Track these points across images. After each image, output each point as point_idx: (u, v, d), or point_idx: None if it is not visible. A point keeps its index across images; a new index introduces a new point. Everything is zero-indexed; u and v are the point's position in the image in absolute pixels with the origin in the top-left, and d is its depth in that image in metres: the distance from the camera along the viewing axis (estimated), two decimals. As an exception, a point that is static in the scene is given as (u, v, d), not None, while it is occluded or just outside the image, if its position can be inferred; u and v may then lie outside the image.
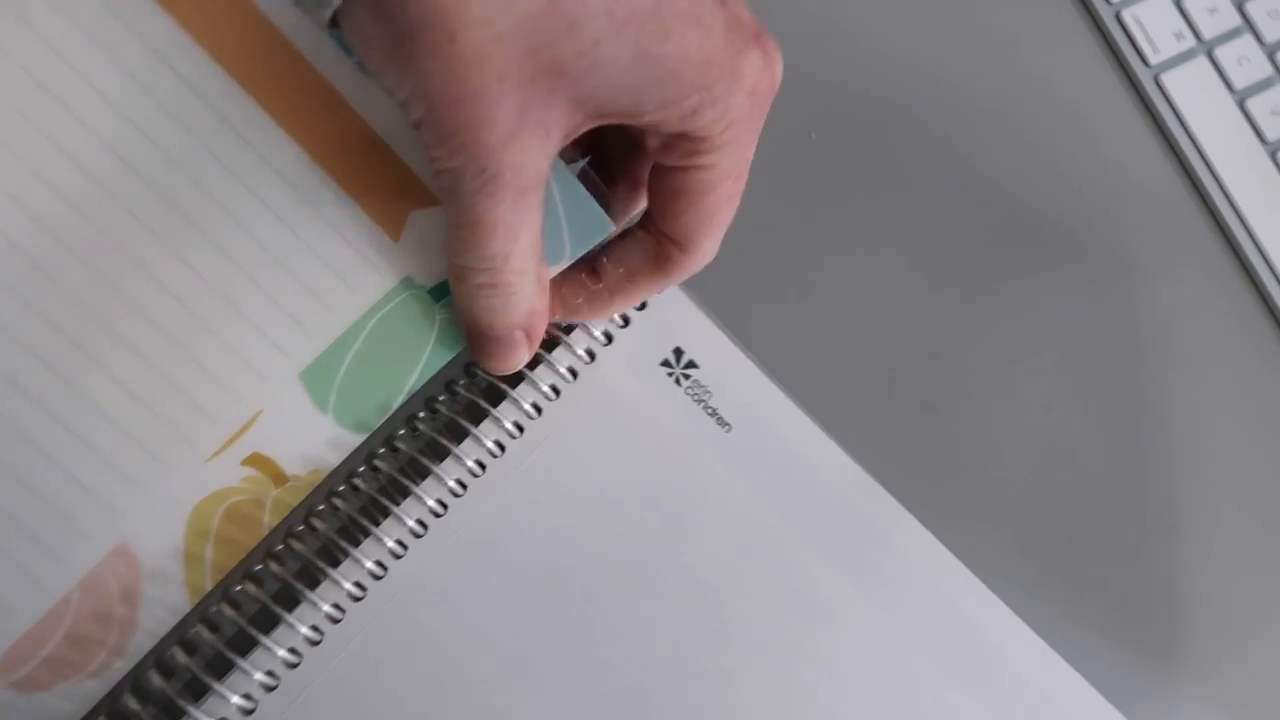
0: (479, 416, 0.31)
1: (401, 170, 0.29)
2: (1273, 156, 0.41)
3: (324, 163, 0.29)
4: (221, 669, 0.27)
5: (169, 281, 0.29)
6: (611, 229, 0.29)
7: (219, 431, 0.29)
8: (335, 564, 0.29)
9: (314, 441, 0.30)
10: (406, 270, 0.30)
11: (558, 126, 0.25)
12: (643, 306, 0.33)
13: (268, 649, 0.27)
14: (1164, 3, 0.42)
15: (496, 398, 0.31)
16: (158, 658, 0.27)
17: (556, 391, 0.32)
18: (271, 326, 0.30)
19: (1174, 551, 0.38)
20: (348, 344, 0.30)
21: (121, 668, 0.27)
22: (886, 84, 0.39)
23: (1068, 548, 0.37)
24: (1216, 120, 0.41)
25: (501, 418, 0.31)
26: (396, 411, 0.30)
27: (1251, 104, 0.42)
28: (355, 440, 0.30)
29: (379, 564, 0.29)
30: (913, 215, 0.38)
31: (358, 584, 0.29)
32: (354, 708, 0.28)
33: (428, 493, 0.30)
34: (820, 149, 0.38)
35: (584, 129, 0.25)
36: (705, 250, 0.29)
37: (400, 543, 0.29)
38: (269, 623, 0.28)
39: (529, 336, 0.28)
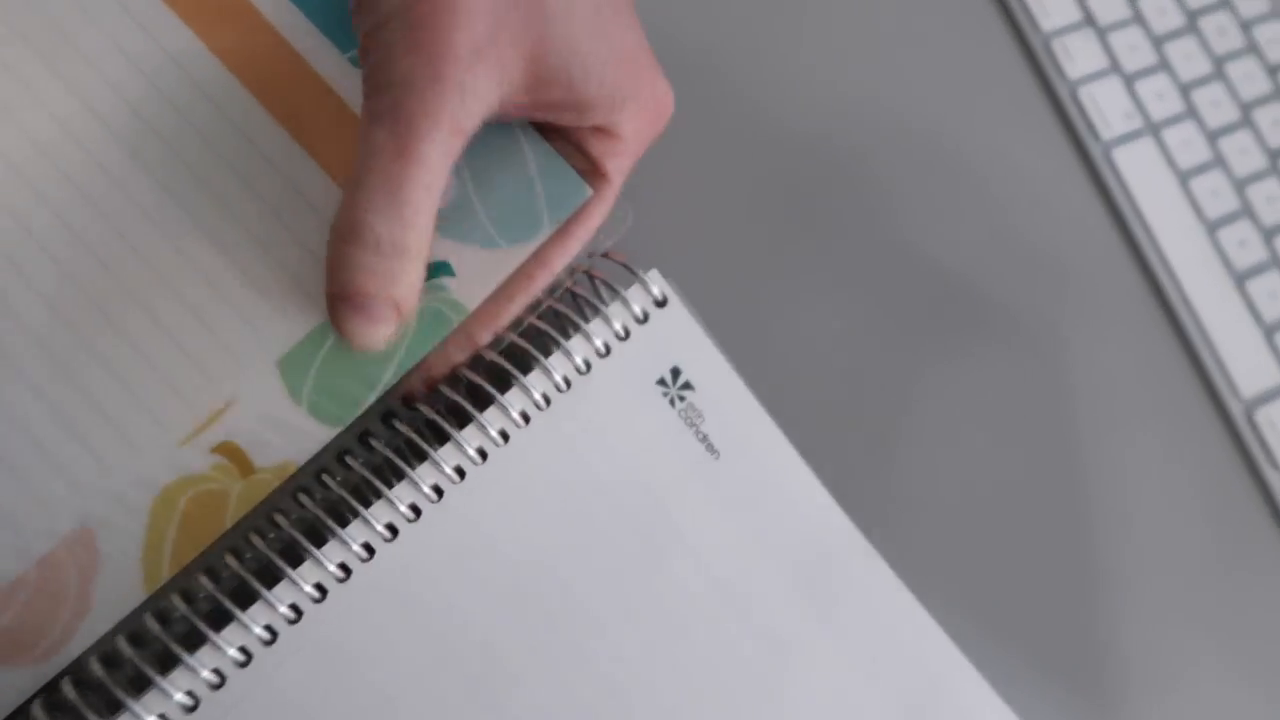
0: (463, 420, 0.30)
1: None
2: (1210, 234, 0.44)
3: (314, 153, 0.29)
4: (169, 663, 0.26)
5: (158, 263, 0.29)
6: (588, 193, 0.29)
7: (192, 415, 0.28)
8: (297, 563, 0.28)
9: (285, 433, 0.29)
10: None
11: (511, 73, 0.25)
12: (645, 319, 0.32)
13: (217, 646, 0.26)
14: (1116, 84, 0.44)
15: (482, 402, 0.30)
16: (103, 647, 0.27)
17: (547, 400, 0.30)
18: (255, 311, 0.29)
19: (1106, 603, 0.39)
20: (325, 332, 0.29)
21: (68, 653, 0.26)
22: (856, 146, 0.42)
23: (1000, 597, 0.38)
24: (1161, 196, 0.44)
25: (487, 425, 0.29)
26: (373, 406, 0.29)
27: (1193, 184, 0.44)
28: (327, 435, 0.29)
29: (343, 566, 0.28)
30: (873, 267, 0.41)
31: (318, 585, 0.28)
32: (300, 712, 0.27)
33: (401, 497, 0.29)
34: (792, 200, 0.41)
35: (524, 101, 0.26)
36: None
37: (367, 546, 0.28)
38: (222, 619, 0.27)
39: (400, 314, 0.27)
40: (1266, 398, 0.42)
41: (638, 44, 0.28)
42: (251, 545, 0.28)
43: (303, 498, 0.28)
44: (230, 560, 0.27)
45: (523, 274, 0.29)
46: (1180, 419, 0.41)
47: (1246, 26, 0.46)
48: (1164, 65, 0.45)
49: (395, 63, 0.24)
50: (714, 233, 0.40)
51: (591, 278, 0.32)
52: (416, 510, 0.29)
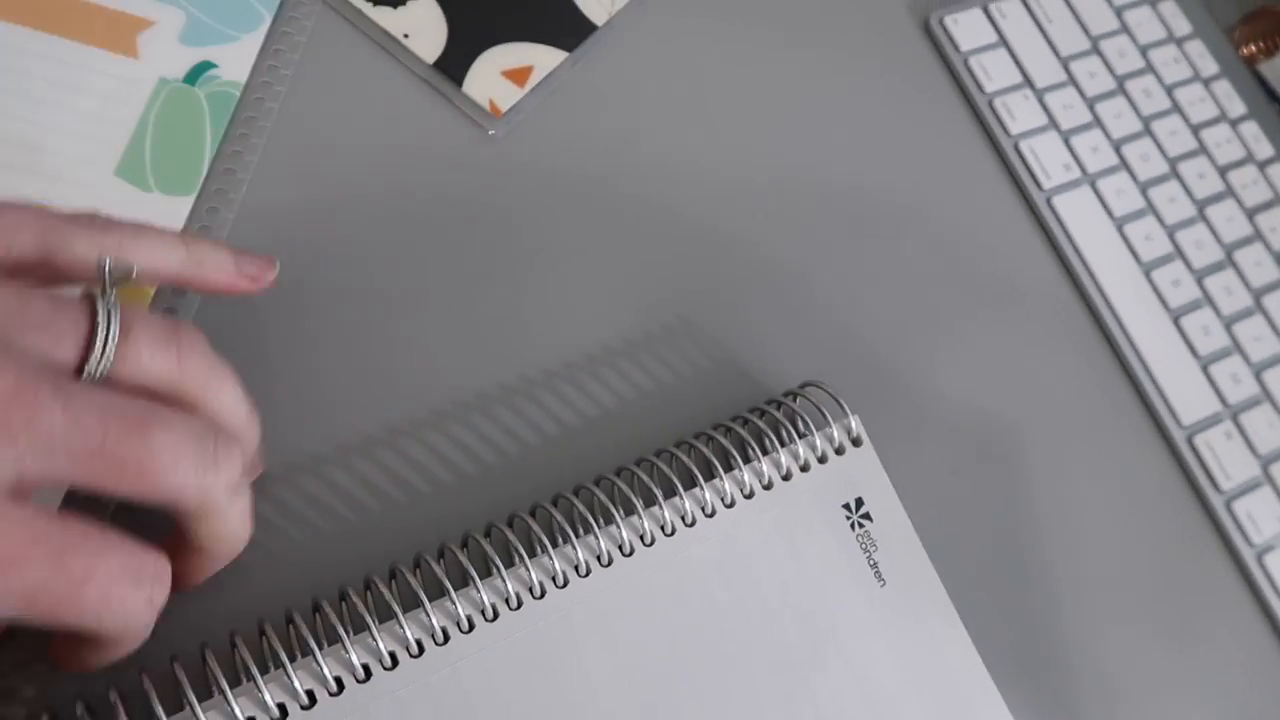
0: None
1: (112, 14, 0.38)
2: (1146, 274, 0.48)
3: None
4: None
5: None
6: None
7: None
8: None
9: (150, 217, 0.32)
10: (158, 74, 0.38)
11: None
12: (840, 451, 0.37)
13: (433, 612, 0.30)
14: (1055, 139, 0.49)
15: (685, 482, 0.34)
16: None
17: (748, 496, 0.35)
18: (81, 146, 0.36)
19: (1061, 621, 0.40)
20: (141, 137, 0.36)
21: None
22: (832, 199, 0.45)
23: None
24: (1099, 240, 0.48)
25: (701, 496, 0.34)
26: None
27: (1128, 229, 0.48)
28: (188, 201, 0.36)
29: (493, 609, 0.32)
30: (834, 308, 0.43)
31: (534, 587, 0.31)
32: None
33: (626, 529, 0.33)
34: (756, 252, 0.43)
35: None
36: None
37: (589, 561, 0.32)
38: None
39: None
40: (1205, 425, 0.45)
41: None
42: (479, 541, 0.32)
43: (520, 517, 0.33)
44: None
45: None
46: (1128, 446, 0.44)
47: (1170, 90, 0.52)
48: (1097, 123, 0.50)
49: None
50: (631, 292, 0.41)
51: (793, 407, 0.37)
52: (638, 543, 0.33)
